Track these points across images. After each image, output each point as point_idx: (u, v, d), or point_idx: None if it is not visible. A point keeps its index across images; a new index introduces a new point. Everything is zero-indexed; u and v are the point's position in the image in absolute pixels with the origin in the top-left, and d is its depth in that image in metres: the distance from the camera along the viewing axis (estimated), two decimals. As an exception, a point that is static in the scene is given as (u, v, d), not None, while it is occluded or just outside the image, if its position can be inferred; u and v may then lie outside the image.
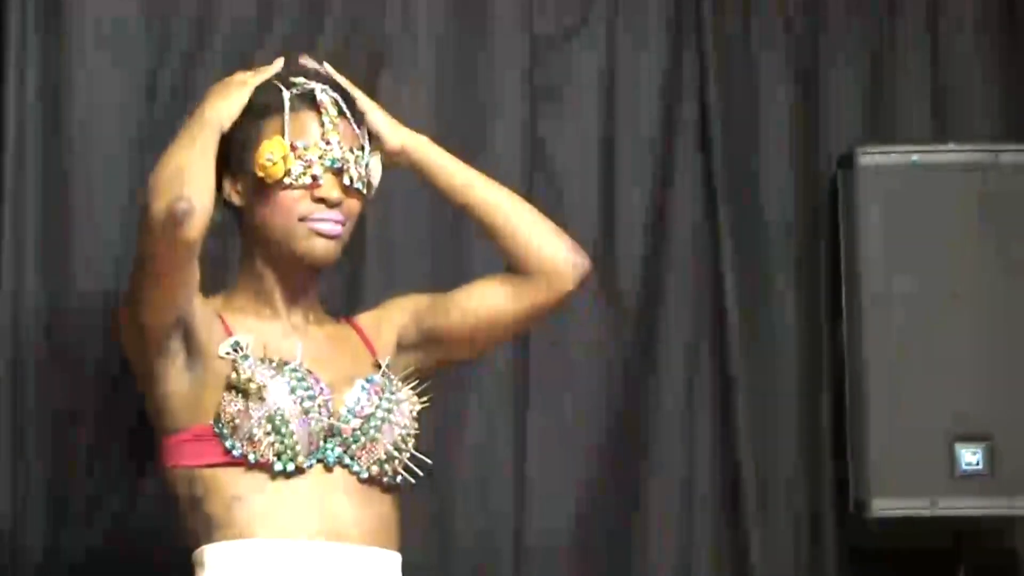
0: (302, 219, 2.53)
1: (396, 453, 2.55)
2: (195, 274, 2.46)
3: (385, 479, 2.54)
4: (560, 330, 3.45)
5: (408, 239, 3.36)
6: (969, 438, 3.43)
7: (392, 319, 2.73)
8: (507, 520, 3.38)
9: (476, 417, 3.39)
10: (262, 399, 2.47)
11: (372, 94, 2.80)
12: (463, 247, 3.39)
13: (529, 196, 3.38)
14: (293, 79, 2.58)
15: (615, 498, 3.48)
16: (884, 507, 3.44)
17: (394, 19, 3.39)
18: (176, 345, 2.49)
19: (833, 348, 3.62)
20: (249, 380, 2.46)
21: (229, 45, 3.23)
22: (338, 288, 3.22)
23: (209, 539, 2.47)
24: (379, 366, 2.64)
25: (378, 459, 2.54)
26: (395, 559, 2.52)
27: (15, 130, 3.00)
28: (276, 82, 2.58)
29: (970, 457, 3.41)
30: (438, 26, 3.45)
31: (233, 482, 2.48)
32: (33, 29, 3.03)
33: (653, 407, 3.54)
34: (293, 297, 2.61)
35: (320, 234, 2.53)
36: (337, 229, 2.55)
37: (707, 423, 3.56)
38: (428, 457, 2.72)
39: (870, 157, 3.58)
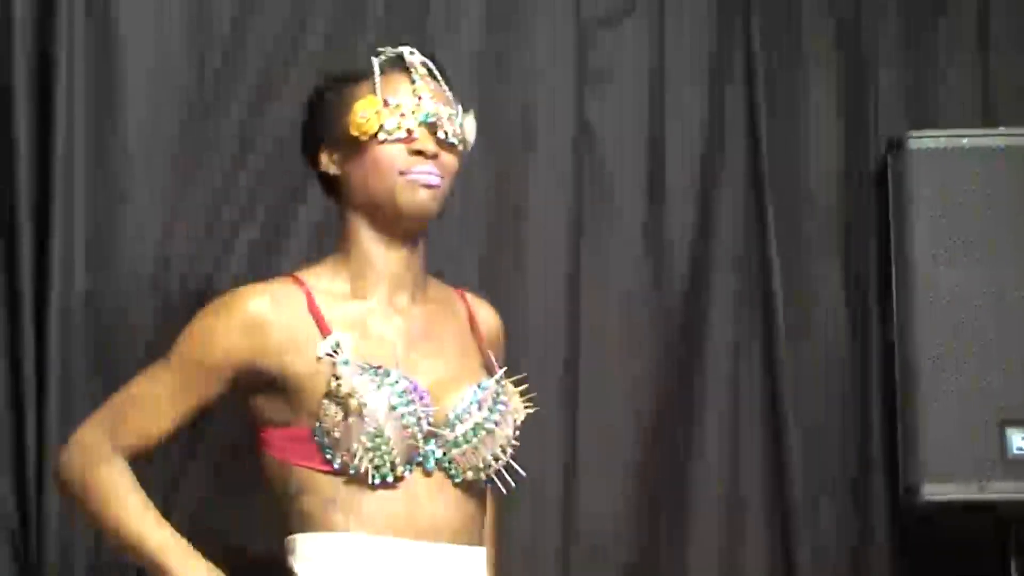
0: (402, 173, 2.52)
1: (493, 462, 2.56)
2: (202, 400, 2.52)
3: (477, 484, 2.54)
4: (609, 317, 3.50)
5: (465, 219, 3.37)
6: (1020, 422, 3.40)
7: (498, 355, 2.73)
8: (555, 517, 3.41)
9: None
10: (362, 416, 2.46)
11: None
12: (519, 229, 3.43)
13: (577, 182, 3.48)
14: (380, 48, 2.58)
15: (661, 493, 3.50)
16: (934, 492, 3.42)
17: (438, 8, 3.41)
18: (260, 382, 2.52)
19: (882, 332, 3.61)
20: (349, 395, 2.46)
21: (269, 45, 3.26)
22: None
23: (303, 531, 2.48)
24: (489, 371, 2.64)
25: (475, 466, 2.54)
26: (481, 554, 2.53)
27: (64, 132, 3.03)
28: (365, 51, 2.58)
29: (1021, 442, 3.38)
30: (482, 9, 3.46)
31: (330, 485, 2.48)
32: (81, 38, 3.07)
33: (699, 397, 3.56)
34: (398, 268, 2.60)
35: (423, 184, 2.54)
36: (437, 181, 2.54)
37: (754, 413, 3.57)
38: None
39: (920, 141, 3.56)
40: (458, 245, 3.35)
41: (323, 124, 2.59)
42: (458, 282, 3.21)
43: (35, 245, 2.96)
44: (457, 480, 2.50)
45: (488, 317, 2.77)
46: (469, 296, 2.75)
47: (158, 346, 2.60)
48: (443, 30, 3.40)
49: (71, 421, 2.83)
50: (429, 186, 2.53)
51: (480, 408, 2.54)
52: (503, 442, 2.56)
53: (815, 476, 3.58)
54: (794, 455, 3.52)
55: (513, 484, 2.56)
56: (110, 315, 3.02)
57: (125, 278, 3.06)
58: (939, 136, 3.58)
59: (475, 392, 2.55)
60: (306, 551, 2.46)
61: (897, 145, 3.58)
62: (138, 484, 2.48)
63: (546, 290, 3.45)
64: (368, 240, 2.58)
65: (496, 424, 2.55)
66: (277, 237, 3.13)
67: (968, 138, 3.56)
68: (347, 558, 2.43)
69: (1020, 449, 3.39)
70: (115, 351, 3.01)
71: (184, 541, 2.47)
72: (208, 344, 2.50)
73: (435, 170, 2.54)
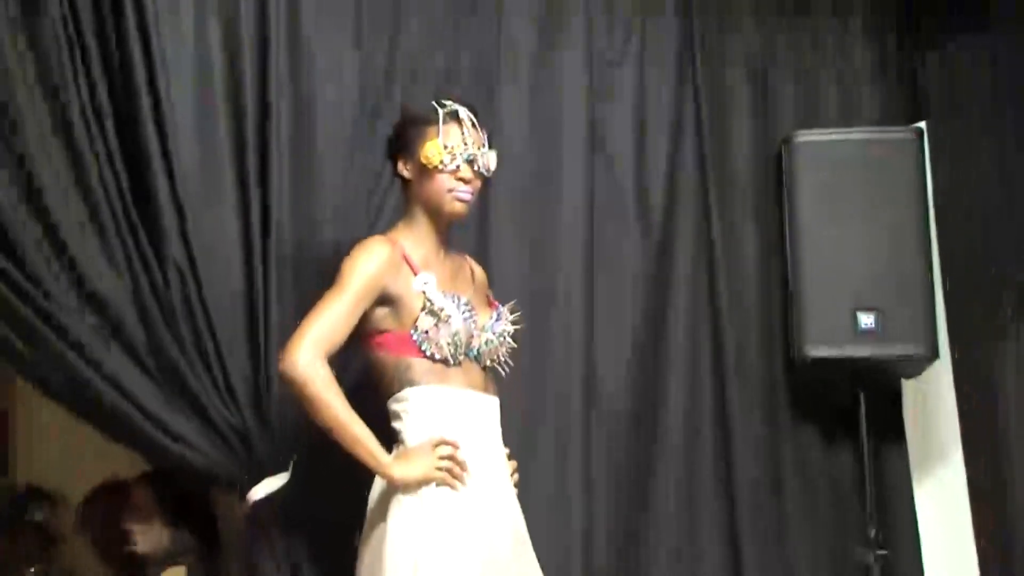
0: (449, 191, 3.25)
1: (500, 357, 3.35)
2: (358, 315, 3.07)
3: (489, 369, 3.31)
4: (611, 253, 4.20)
5: (507, 207, 4.04)
6: (865, 309, 4.12)
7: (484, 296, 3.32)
8: (579, 389, 4.11)
9: (555, 321, 4.11)
10: (447, 323, 3.17)
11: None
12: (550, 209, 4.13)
13: (590, 165, 4.16)
14: (444, 101, 3.29)
15: (648, 348, 4.24)
16: (811, 351, 4.18)
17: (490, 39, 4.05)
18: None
19: (782, 257, 4.33)
20: (441, 310, 3.16)
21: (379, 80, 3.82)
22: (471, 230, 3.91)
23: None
24: (487, 304, 3.32)
25: (492, 358, 3.32)
26: (498, 403, 3.33)
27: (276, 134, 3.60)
28: (434, 102, 3.27)
29: (867, 320, 4.10)
30: (530, 46, 4.12)
31: (426, 364, 3.21)
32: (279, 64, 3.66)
33: (665, 302, 4.29)
34: (439, 239, 3.31)
35: (460, 199, 3.27)
36: (469, 197, 3.27)
37: (703, 315, 4.32)
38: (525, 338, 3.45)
39: (804, 137, 4.23)
40: (510, 226, 4.06)
41: (403, 144, 3.25)
42: (510, 245, 4.05)
43: (261, 214, 3.57)
44: (482, 365, 3.28)
45: (480, 272, 3.48)
46: (469, 258, 3.48)
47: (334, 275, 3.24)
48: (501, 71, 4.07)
49: (285, 333, 3.33)
50: (464, 200, 3.24)
51: (502, 322, 3.33)
52: (508, 346, 3.33)
53: (742, 340, 4.33)
54: (726, 320, 4.26)
55: (508, 372, 3.30)
56: (308, 259, 3.65)
57: (311, 233, 3.68)
58: (818, 133, 4.23)
59: (500, 312, 3.32)
60: (416, 396, 3.19)
61: (788, 140, 4.24)
62: (339, 387, 3.05)
63: (570, 245, 4.17)
64: (424, 218, 3.27)
65: (508, 334, 3.33)
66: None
67: (836, 134, 4.22)
68: (439, 401, 3.21)
69: (866, 325, 4.10)
70: (313, 282, 3.50)
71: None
72: (368, 269, 3.16)
73: (469, 190, 3.24)
